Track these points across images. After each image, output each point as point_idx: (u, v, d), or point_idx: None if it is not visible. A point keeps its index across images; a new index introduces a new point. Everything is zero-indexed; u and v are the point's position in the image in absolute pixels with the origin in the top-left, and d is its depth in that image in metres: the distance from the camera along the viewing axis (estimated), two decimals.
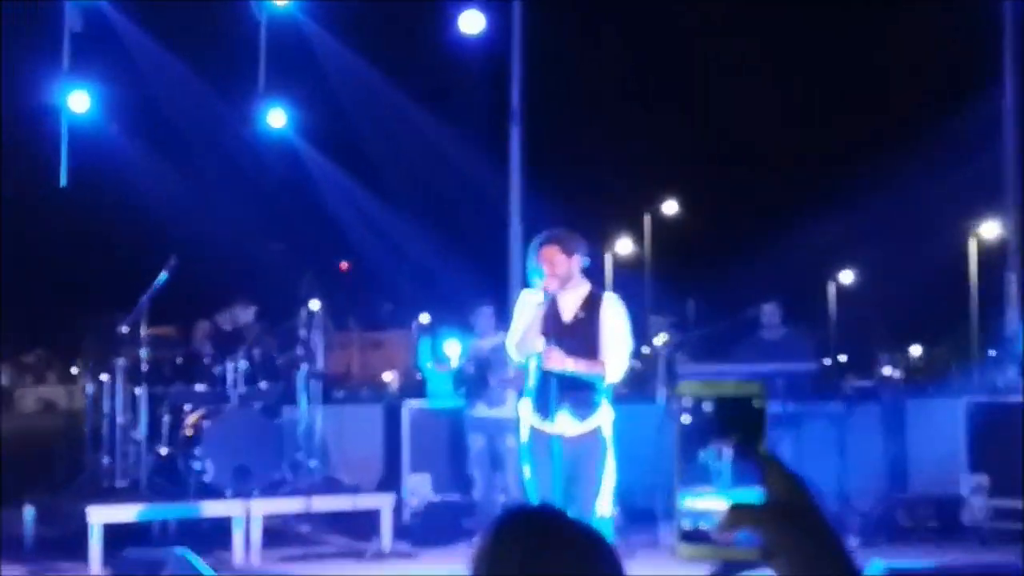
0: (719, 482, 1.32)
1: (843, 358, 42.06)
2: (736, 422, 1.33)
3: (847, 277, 48.44)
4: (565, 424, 6.72)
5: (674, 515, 1.32)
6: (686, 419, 1.34)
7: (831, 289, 46.59)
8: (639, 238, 38.50)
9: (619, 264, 38.23)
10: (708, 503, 1.31)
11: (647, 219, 37.54)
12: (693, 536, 1.31)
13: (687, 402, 1.35)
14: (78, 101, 12.92)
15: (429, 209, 17.58)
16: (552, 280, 6.74)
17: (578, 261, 6.92)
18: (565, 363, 6.71)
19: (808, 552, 1.29)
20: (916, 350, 47.27)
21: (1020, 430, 10.12)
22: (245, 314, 11.23)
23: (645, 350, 19.49)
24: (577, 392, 6.70)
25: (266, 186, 18.36)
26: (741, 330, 11.57)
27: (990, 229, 30.08)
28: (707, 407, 1.34)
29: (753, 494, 1.31)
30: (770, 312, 10.61)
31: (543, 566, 1.64)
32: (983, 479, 10.32)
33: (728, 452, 1.32)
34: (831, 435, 10.26)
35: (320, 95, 15.84)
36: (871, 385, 12.02)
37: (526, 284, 6.98)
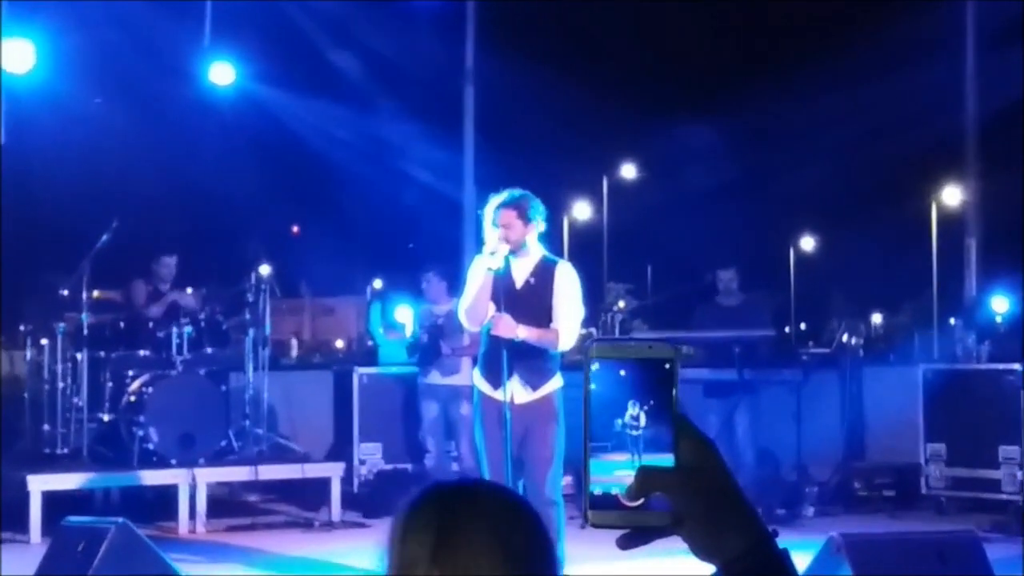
0: (631, 447, 1.29)
1: (803, 326, 42.38)
2: (648, 384, 1.31)
3: (807, 243, 48.75)
4: (516, 392, 6.70)
5: (584, 481, 1.30)
6: (595, 384, 1.31)
7: (791, 255, 46.85)
8: (597, 203, 38.51)
9: (576, 229, 38.25)
10: (619, 469, 1.29)
11: (605, 183, 37.55)
12: (603, 503, 1.29)
13: (596, 364, 1.32)
14: (18, 53, 12.68)
15: (382, 174, 17.49)
16: (504, 243, 6.69)
17: (534, 228, 6.88)
18: (515, 330, 6.68)
19: (717, 516, 1.29)
20: (877, 318, 47.64)
21: (977, 397, 10.22)
22: (167, 266, 11.12)
23: (603, 317, 19.52)
24: (528, 360, 6.68)
25: (215, 144, 18.20)
26: (698, 296, 11.60)
27: (951, 195, 30.28)
28: (619, 372, 1.31)
29: (665, 460, 1.29)
30: (727, 279, 10.62)
31: (458, 542, 1.60)
32: (940, 447, 10.42)
33: (643, 418, 1.30)
34: (788, 403, 10.31)
35: (269, 48, 15.69)
36: (829, 352, 12.06)
37: (479, 248, 6.92)
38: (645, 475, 1.28)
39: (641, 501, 1.29)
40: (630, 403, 1.30)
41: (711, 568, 1.31)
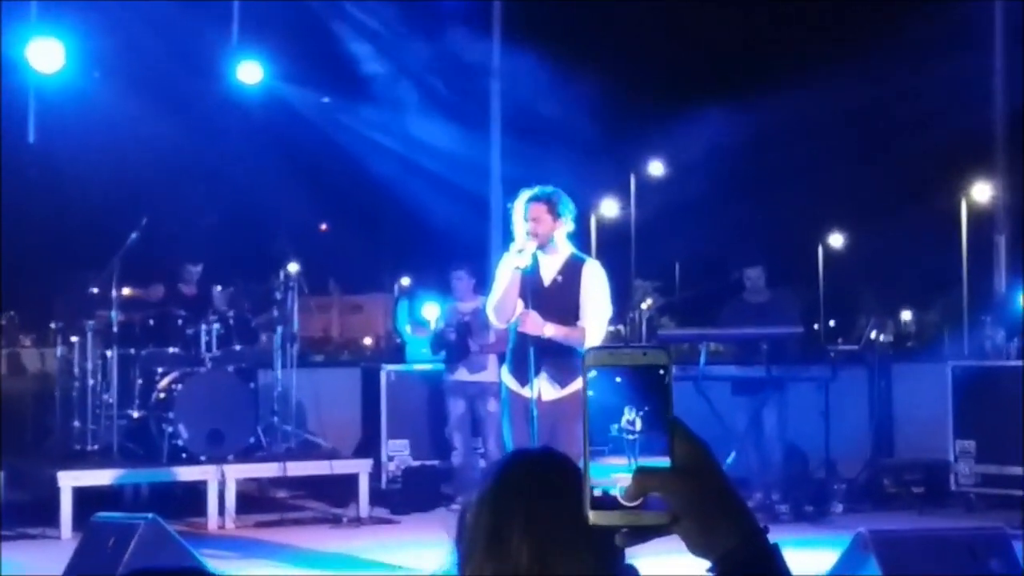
0: (627, 451, 1.33)
1: (831, 323, 42.21)
2: (643, 390, 1.35)
3: (836, 240, 48.55)
4: (543, 389, 6.71)
5: (585, 483, 1.34)
6: (593, 390, 1.35)
7: (820, 252, 46.68)
8: (625, 200, 38.47)
9: (604, 227, 38.21)
10: (616, 472, 1.33)
11: (632, 181, 37.50)
12: (603, 503, 1.33)
13: (594, 372, 1.36)
14: (47, 53, 12.76)
15: (410, 172, 17.52)
16: (532, 239, 6.70)
17: (564, 224, 6.88)
18: (542, 328, 6.69)
19: (711, 513, 1.34)
20: (907, 315, 47.43)
21: (1007, 394, 10.16)
22: (193, 272, 11.20)
23: (631, 315, 19.53)
24: (555, 357, 6.69)
25: (243, 143, 18.27)
26: (726, 293, 11.57)
27: (981, 191, 30.11)
28: (615, 378, 1.35)
29: (660, 462, 1.33)
30: (754, 276, 10.59)
31: (546, 511, 1.67)
32: (969, 444, 10.37)
33: (639, 423, 1.34)
34: (816, 400, 10.28)
35: (296, 47, 15.74)
36: (857, 349, 12.02)
37: (507, 246, 6.93)
38: (642, 476, 1.32)
39: (639, 501, 1.33)
40: (626, 408, 1.34)
41: (706, 564, 1.36)
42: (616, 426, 1.34)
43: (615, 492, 1.33)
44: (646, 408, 1.34)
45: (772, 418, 10.21)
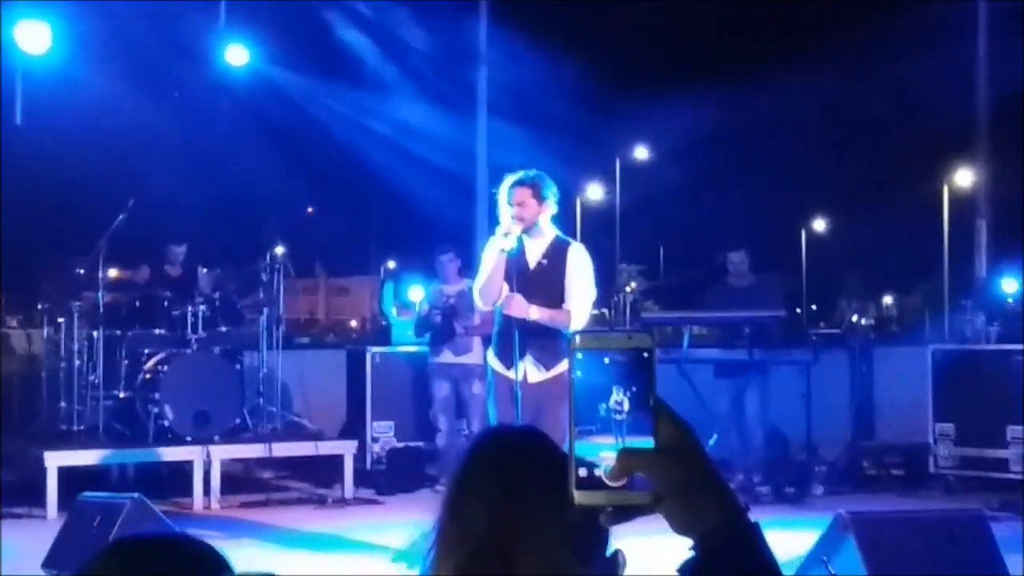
0: (615, 431, 1.35)
1: (814, 307, 42.31)
2: (630, 372, 1.36)
3: (819, 225, 48.64)
4: (528, 371, 6.73)
5: (570, 463, 1.35)
6: (581, 371, 1.37)
7: (803, 237, 46.76)
8: (610, 185, 38.49)
9: (589, 211, 38.22)
10: (603, 450, 1.35)
11: (617, 165, 37.52)
12: (588, 483, 1.35)
13: (580, 355, 1.37)
14: (34, 35, 12.70)
15: (397, 155, 17.49)
16: (517, 223, 6.71)
17: (548, 208, 6.89)
18: (527, 310, 6.71)
19: (694, 493, 1.36)
20: (889, 299, 47.53)
21: (986, 378, 10.22)
22: (177, 253, 11.20)
23: (615, 298, 19.54)
24: (540, 340, 6.70)
25: (232, 126, 18.22)
26: (709, 277, 11.59)
27: (963, 177, 30.18)
28: (603, 360, 1.37)
29: (646, 443, 1.35)
30: (737, 260, 10.62)
31: (519, 487, 1.67)
32: (949, 427, 10.42)
33: (626, 403, 1.35)
34: (798, 383, 10.31)
35: (283, 30, 15.70)
36: (838, 333, 12.06)
37: (493, 229, 6.94)
38: (627, 457, 1.34)
39: (623, 481, 1.34)
40: (614, 388, 1.36)
41: (689, 543, 1.37)
42: (604, 406, 1.35)
43: (600, 472, 1.34)
44: (633, 389, 1.35)
45: (754, 401, 10.24)
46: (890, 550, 5.79)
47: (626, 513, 1.37)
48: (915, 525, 6.06)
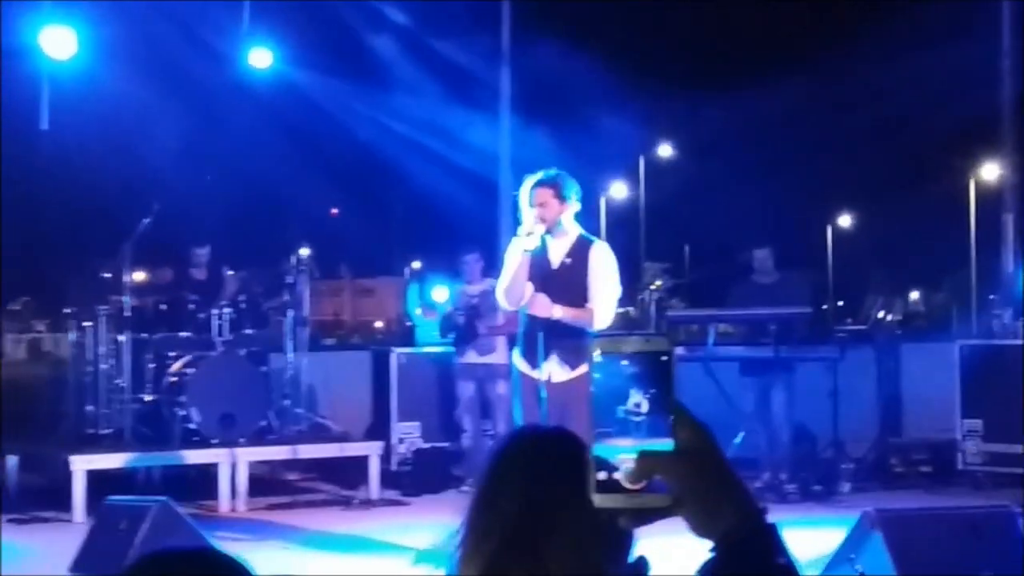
0: (633, 433, 1.36)
1: (840, 303, 42.12)
2: (648, 374, 1.37)
3: (845, 221, 48.45)
4: (553, 371, 6.72)
5: (589, 467, 1.36)
6: (600, 374, 1.38)
7: (829, 233, 46.56)
8: (634, 183, 38.40)
9: (613, 209, 38.16)
10: (623, 455, 1.36)
11: (642, 163, 37.43)
12: (607, 486, 1.36)
13: (599, 359, 1.38)
14: (60, 40, 12.74)
15: (420, 156, 17.51)
16: (540, 223, 6.70)
17: (570, 206, 6.88)
18: (551, 309, 6.69)
19: (712, 495, 1.37)
20: (915, 295, 47.29)
21: (1014, 373, 10.13)
22: (201, 256, 11.21)
23: (641, 296, 19.50)
24: (564, 339, 6.68)
25: (256, 129, 18.29)
26: (735, 275, 11.55)
27: (990, 171, 29.99)
28: (621, 362, 1.38)
29: (665, 445, 1.36)
30: (762, 257, 10.57)
31: (549, 486, 1.68)
32: (977, 423, 10.35)
33: (644, 405, 1.36)
34: (824, 380, 10.25)
35: (306, 32, 15.73)
36: (865, 329, 11.99)
37: (516, 229, 6.93)
38: (645, 460, 1.35)
39: (642, 484, 1.35)
40: (632, 391, 1.36)
41: (708, 544, 1.38)
42: (622, 408, 1.36)
43: (619, 475, 1.35)
44: (652, 391, 1.36)
45: (780, 398, 10.19)
46: (918, 547, 5.75)
47: (645, 516, 1.37)
48: (943, 522, 6.02)
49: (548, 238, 6.83)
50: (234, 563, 1.60)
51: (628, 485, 1.35)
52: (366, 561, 7.85)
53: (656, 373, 1.37)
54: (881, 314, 11.91)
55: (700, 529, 1.38)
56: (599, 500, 1.36)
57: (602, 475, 1.36)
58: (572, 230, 6.95)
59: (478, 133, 16.18)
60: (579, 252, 6.91)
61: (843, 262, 45.30)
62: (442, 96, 16.98)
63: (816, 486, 10.02)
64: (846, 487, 10.11)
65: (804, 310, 10.34)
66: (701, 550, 1.39)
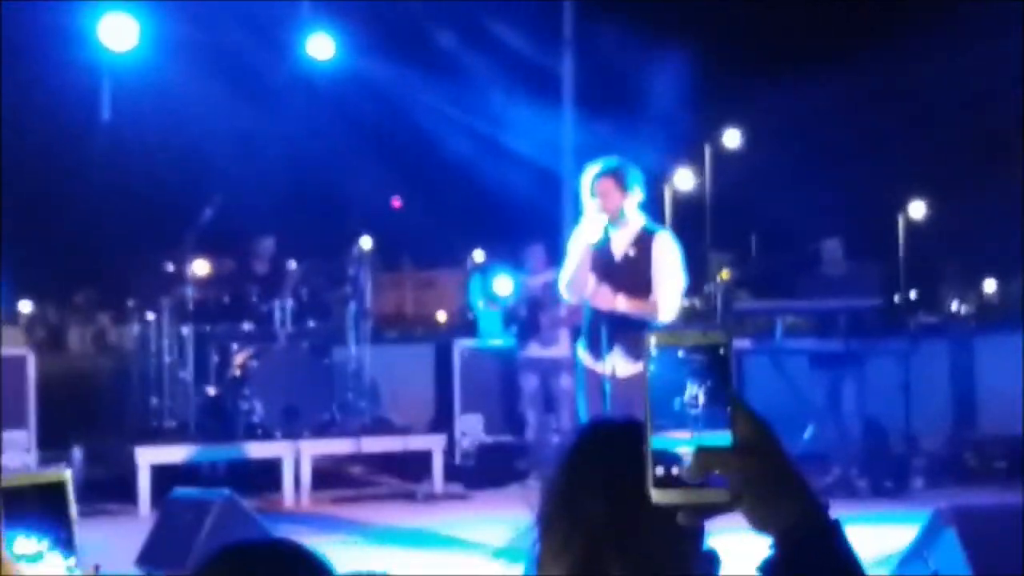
0: (691, 425, 1.36)
1: (912, 294, 41.71)
2: (705, 367, 1.38)
3: (917, 209, 47.89)
4: (617, 364, 6.72)
5: (646, 461, 1.37)
6: (656, 367, 1.38)
7: (900, 222, 46.09)
8: (700, 171, 38.19)
9: (678, 198, 37.98)
10: (681, 448, 1.36)
11: (707, 151, 37.22)
12: (666, 481, 1.36)
13: (656, 352, 1.38)
14: (120, 29, 12.86)
15: (483, 145, 17.52)
16: (602, 214, 6.71)
17: (633, 196, 6.87)
18: (614, 302, 6.70)
19: (772, 490, 1.37)
20: (990, 285, 46.71)
21: None
22: (265, 247, 11.27)
23: (707, 288, 19.40)
24: (629, 332, 6.68)
25: (317, 119, 18.39)
26: (803, 266, 11.49)
27: None
28: (677, 355, 1.38)
29: (723, 438, 1.36)
30: (832, 248, 10.51)
31: (630, 481, 1.63)
32: None
33: (701, 397, 1.36)
34: (896, 373, 10.18)
35: (367, 20, 15.79)
36: (938, 322, 11.89)
37: (579, 219, 6.94)
38: (704, 455, 1.35)
39: (701, 479, 1.35)
40: (689, 383, 1.37)
41: (768, 540, 1.39)
42: (679, 400, 1.36)
43: (677, 470, 1.35)
44: (708, 383, 1.37)
45: (851, 392, 10.13)
46: (994, 545, 5.70)
47: (704, 511, 1.38)
48: (1018, 518, 5.95)
49: (611, 229, 6.83)
50: (313, 557, 1.63)
51: (687, 480, 1.35)
52: (434, 556, 7.89)
53: (714, 366, 1.37)
54: (955, 305, 11.79)
55: (760, 525, 1.38)
56: (657, 496, 1.36)
57: (659, 470, 1.36)
58: (635, 220, 6.94)
59: (541, 122, 16.17)
60: (643, 243, 6.91)
61: (915, 252, 44.76)
62: (504, 85, 16.99)
63: (887, 482, 9.96)
64: (918, 483, 10.04)
65: (875, 302, 10.27)
66: (762, 547, 1.40)
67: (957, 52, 26.44)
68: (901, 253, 44.95)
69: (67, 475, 1.71)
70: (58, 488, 1.71)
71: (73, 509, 1.71)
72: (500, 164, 17.45)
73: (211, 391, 10.67)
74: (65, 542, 1.68)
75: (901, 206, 46.00)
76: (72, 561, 1.67)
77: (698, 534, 1.67)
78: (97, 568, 1.78)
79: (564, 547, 1.69)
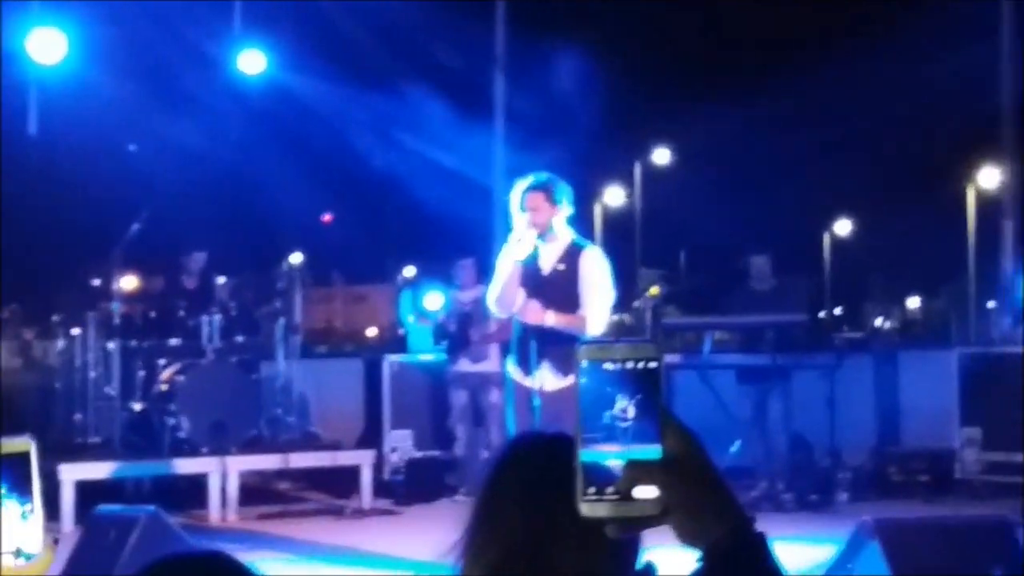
0: (622, 440, 1.35)
1: (838, 310, 42.15)
2: (635, 380, 1.37)
3: (843, 227, 48.45)
4: (546, 379, 6.72)
5: (576, 475, 1.36)
6: (587, 379, 1.37)
7: (826, 239, 46.58)
8: (630, 188, 38.42)
9: (609, 215, 38.17)
10: (610, 461, 1.35)
11: (638, 168, 37.45)
12: (595, 495, 1.35)
13: (586, 364, 1.37)
14: (49, 43, 12.70)
15: (412, 161, 17.51)
16: (531, 228, 6.71)
17: (562, 211, 6.88)
18: (543, 317, 6.70)
19: (700, 503, 1.37)
20: (914, 302, 47.32)
21: (1013, 381, 10.14)
22: (196, 262, 11.17)
23: (635, 303, 19.54)
24: (557, 346, 6.67)
25: (248, 134, 18.28)
26: (731, 281, 11.56)
27: (989, 176, 30.02)
28: (608, 368, 1.37)
29: (652, 451, 1.35)
30: (759, 264, 10.57)
31: (554, 492, 1.65)
32: (975, 432, 10.35)
33: (631, 411, 1.36)
34: (822, 388, 10.24)
35: (298, 36, 15.73)
36: (863, 337, 12.02)
37: (509, 234, 6.93)
38: (632, 468, 1.34)
39: (630, 493, 1.35)
40: (619, 396, 1.36)
41: (696, 554, 1.38)
42: (609, 413, 1.35)
43: (606, 484, 1.35)
44: (639, 397, 1.36)
45: (777, 407, 10.19)
46: (916, 556, 5.74)
47: (633, 525, 1.37)
48: (941, 531, 6.01)
49: (539, 243, 6.84)
50: (245, 570, 1.61)
51: (615, 493, 1.35)
52: (359, 572, 7.83)
53: (644, 379, 1.37)
54: (879, 321, 11.92)
55: (687, 538, 1.37)
56: (586, 509, 1.35)
57: (589, 483, 1.35)
58: (564, 235, 6.95)
59: (472, 138, 16.18)
60: (571, 258, 6.91)
61: (841, 269, 45.30)
62: (436, 101, 16.99)
63: (813, 495, 10.02)
64: (843, 496, 10.11)
65: (801, 317, 10.35)
66: (689, 560, 1.39)
67: (883, 75, 26.82)
68: (827, 269, 45.51)
69: (31, 445, 1.90)
70: (23, 457, 1.90)
71: (37, 476, 1.91)
72: (431, 180, 17.44)
73: (137, 407, 10.54)
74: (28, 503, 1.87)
75: (827, 224, 46.59)
76: (28, 507, 1.87)
77: (630, 549, 1.66)
78: (56, 541, 1.94)
79: (479, 558, 1.68)
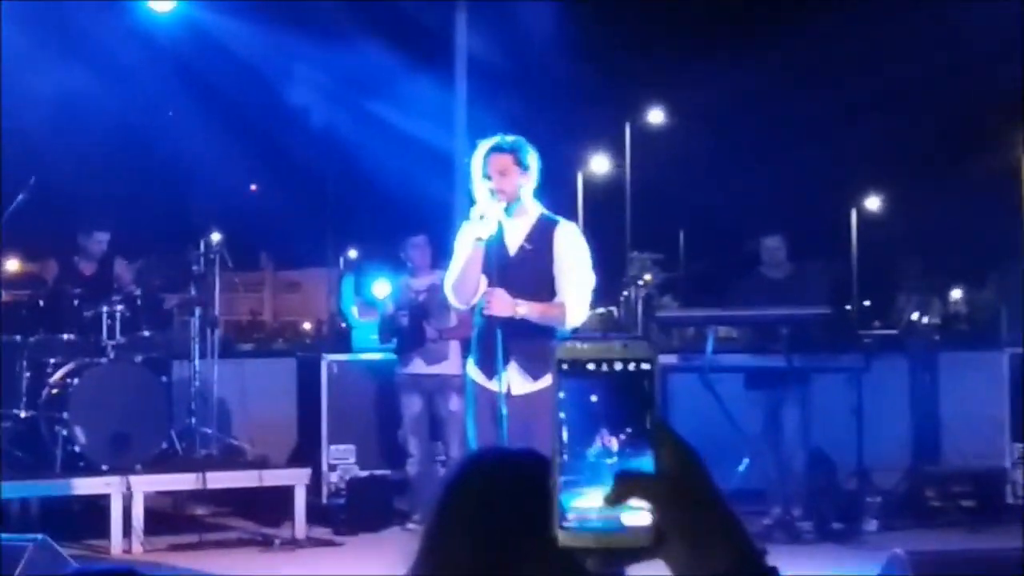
0: (604, 476, 1.35)
1: (866, 302, 42.44)
2: (623, 388, 1.37)
3: (872, 204, 48.77)
4: (513, 382, 6.71)
5: (552, 497, 1.35)
6: (564, 385, 1.37)
7: (853, 218, 46.87)
8: (619, 155, 38.48)
9: (593, 187, 38.25)
10: (591, 498, 1.35)
11: (628, 131, 37.51)
12: (575, 520, 1.35)
13: (566, 367, 1.37)
14: None
15: (356, 121, 17.51)
16: (500, 198, 6.69)
17: (531, 179, 6.87)
18: (513, 307, 6.68)
19: (701, 530, 1.36)
20: (956, 293, 47.68)
21: None
22: (96, 243, 11.13)
23: (626, 293, 19.60)
24: (528, 342, 6.67)
25: (158, 88, 18.23)
26: (739, 268, 11.61)
27: None
28: (591, 372, 1.37)
29: (644, 466, 1.35)
30: (773, 247, 10.61)
31: (509, 522, 1.68)
32: None
33: (613, 442, 1.35)
34: (847, 395, 10.32)
35: None
36: (896, 334, 12.08)
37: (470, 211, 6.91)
38: (625, 481, 1.34)
39: (617, 522, 1.34)
40: (603, 430, 1.36)
41: None
42: (592, 451, 1.36)
43: (591, 512, 1.35)
44: (629, 404, 1.36)
45: (793, 417, 10.23)
46: None
47: (620, 557, 1.37)
48: (988, 566, 6.03)
49: (504, 219, 6.81)
50: None
51: (600, 516, 1.34)
52: None
53: (635, 385, 1.37)
54: (915, 316, 11.98)
55: (684, 573, 1.37)
56: (564, 538, 1.34)
57: (570, 513, 1.35)
58: (533, 209, 6.94)
59: (429, 96, 16.17)
60: (541, 235, 6.90)
61: (870, 253, 45.63)
62: (387, 51, 16.97)
63: (836, 524, 10.08)
64: (872, 524, 10.17)
65: (822, 310, 10.38)
66: None
67: (920, 23, 26.92)
68: (854, 254, 45.79)
69: None
70: None
71: None
72: (379, 144, 17.43)
73: (22, 414, 10.50)
74: None
75: (854, 200, 46.89)
76: None
77: None
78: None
79: None
